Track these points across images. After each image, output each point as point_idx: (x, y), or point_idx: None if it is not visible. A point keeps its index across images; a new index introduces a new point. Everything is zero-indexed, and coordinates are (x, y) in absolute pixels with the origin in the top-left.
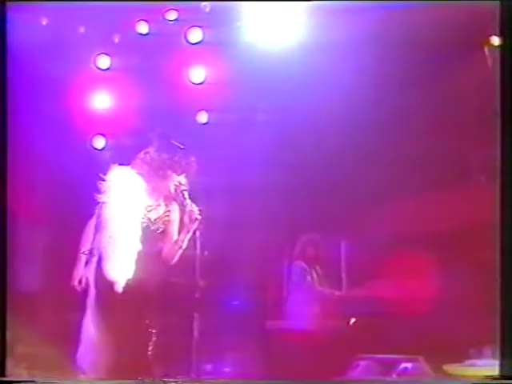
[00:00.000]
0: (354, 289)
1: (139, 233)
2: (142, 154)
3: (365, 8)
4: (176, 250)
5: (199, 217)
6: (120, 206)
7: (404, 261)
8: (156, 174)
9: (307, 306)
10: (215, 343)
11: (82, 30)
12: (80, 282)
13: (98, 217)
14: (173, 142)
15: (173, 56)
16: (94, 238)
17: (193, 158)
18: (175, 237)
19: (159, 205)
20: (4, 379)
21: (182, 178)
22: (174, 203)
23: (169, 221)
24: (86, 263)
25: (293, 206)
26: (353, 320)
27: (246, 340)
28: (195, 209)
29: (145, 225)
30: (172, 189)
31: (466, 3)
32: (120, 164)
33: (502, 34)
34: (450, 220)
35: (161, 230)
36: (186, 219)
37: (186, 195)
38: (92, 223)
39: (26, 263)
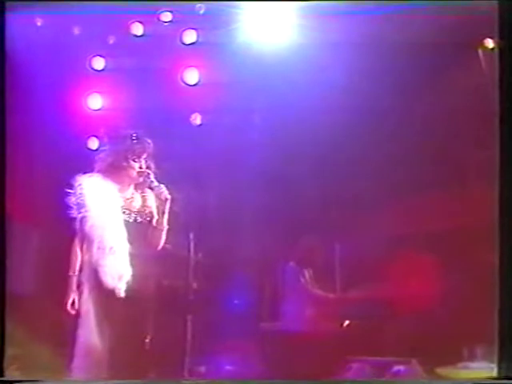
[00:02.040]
0: (348, 291)
1: (128, 231)
2: (98, 156)
3: (360, 9)
4: (159, 235)
5: (169, 196)
6: (99, 212)
7: (399, 263)
8: (115, 167)
9: (301, 308)
10: (209, 345)
11: (77, 31)
12: (72, 303)
13: (81, 231)
14: (122, 131)
15: (167, 57)
16: (83, 253)
17: (149, 141)
18: (154, 222)
19: (133, 197)
20: (4, 379)
21: (142, 163)
22: (145, 189)
23: (147, 208)
24: (78, 282)
25: (287, 208)
26: (346, 322)
27: (240, 342)
28: (163, 189)
29: (130, 220)
30: (136, 176)
31: (464, 3)
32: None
33: (500, 35)
34: (447, 221)
35: (145, 220)
36: (158, 201)
37: (152, 177)
38: (77, 238)
39: (24, 265)
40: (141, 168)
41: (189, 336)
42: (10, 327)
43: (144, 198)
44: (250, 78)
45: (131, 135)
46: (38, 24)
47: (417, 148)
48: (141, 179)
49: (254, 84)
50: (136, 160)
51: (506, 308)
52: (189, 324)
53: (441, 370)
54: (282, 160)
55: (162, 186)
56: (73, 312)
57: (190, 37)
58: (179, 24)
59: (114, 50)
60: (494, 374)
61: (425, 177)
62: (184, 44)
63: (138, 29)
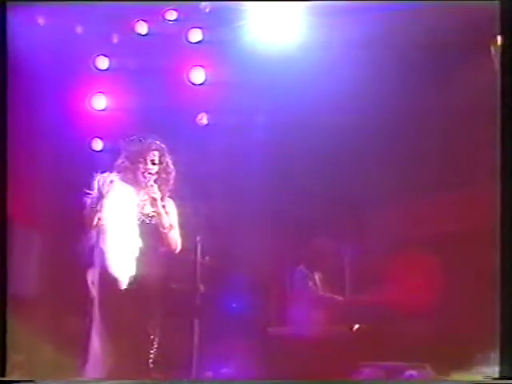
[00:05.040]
0: (357, 294)
1: (134, 232)
2: (104, 156)
3: (366, 8)
4: (166, 238)
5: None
6: (104, 213)
7: (408, 266)
8: (122, 167)
9: (309, 311)
10: (217, 348)
11: (80, 30)
12: (92, 283)
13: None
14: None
15: (172, 57)
16: (96, 245)
17: (157, 142)
18: (161, 224)
19: (139, 198)
20: (4, 379)
21: (149, 165)
22: (151, 191)
23: (153, 209)
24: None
25: (296, 210)
26: (356, 326)
27: (247, 345)
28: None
29: (136, 222)
30: (141, 179)
31: (464, 4)
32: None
33: (501, 35)
34: (451, 223)
35: (151, 221)
36: (163, 201)
37: (152, 181)
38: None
39: (26, 266)
40: (146, 170)
41: (196, 339)
42: (12, 328)
43: (151, 200)
44: (256, 77)
45: (138, 137)
46: (41, 23)
47: (423, 149)
48: (147, 180)
49: (261, 83)
50: (142, 161)
51: (507, 309)
52: (197, 326)
53: (443, 372)
54: (290, 160)
55: (167, 185)
56: (77, 315)
57: (195, 35)
58: (184, 22)
59: (119, 50)
60: (496, 374)
61: (431, 178)
62: (190, 43)
63: (142, 28)
